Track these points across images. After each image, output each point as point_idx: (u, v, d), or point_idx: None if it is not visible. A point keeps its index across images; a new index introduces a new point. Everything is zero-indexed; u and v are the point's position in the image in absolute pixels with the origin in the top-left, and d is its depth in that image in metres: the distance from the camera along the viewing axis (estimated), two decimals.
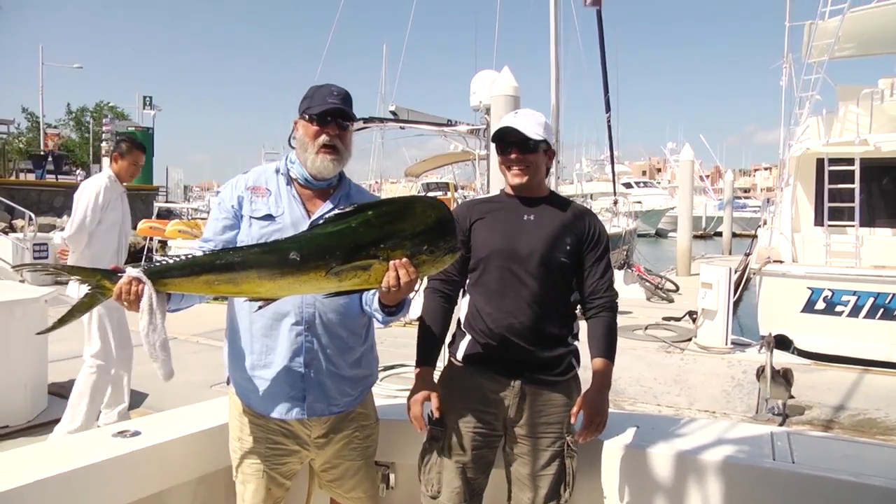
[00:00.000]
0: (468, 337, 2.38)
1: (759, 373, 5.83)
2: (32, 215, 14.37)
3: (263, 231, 2.14)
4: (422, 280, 1.94)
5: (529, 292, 2.29)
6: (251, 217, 2.17)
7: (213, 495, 2.57)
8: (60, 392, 5.73)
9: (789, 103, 11.63)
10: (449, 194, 20.79)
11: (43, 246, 14.09)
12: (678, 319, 10.33)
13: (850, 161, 9.28)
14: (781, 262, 9.38)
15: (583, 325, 2.44)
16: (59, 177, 26.69)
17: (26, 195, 19.68)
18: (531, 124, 2.33)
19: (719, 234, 33.03)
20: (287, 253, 1.78)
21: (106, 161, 29.84)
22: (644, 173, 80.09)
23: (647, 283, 13.58)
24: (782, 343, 8.05)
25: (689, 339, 8.91)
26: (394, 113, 14.62)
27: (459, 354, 2.38)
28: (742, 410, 5.94)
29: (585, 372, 2.38)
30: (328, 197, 2.23)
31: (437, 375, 2.39)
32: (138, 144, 5.11)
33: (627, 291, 13.27)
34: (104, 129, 33.57)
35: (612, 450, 2.44)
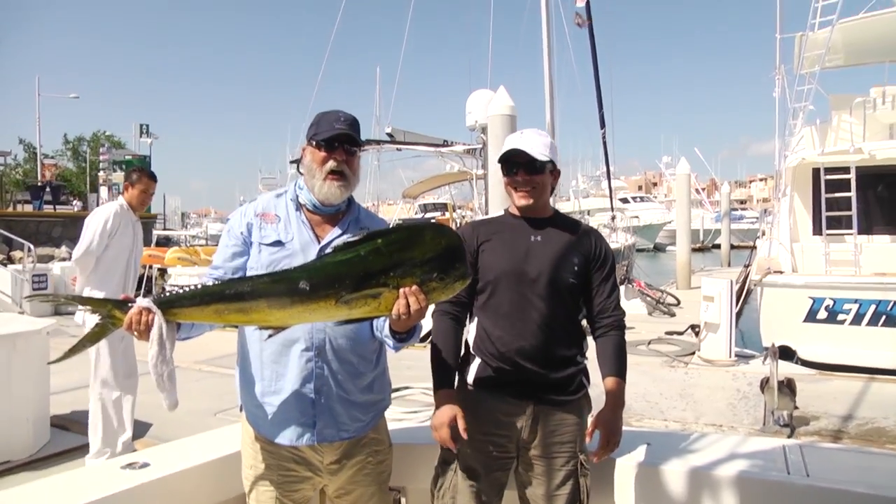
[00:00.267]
0: (478, 360, 2.36)
1: (764, 384, 5.82)
2: (31, 246, 14.37)
3: (273, 257, 2.14)
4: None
5: (539, 314, 2.29)
6: (260, 243, 2.17)
7: None
8: (63, 424, 5.70)
9: (783, 114, 11.71)
10: (447, 214, 20.85)
11: (42, 277, 14.07)
12: (681, 333, 10.32)
13: (846, 170, 9.33)
14: (782, 272, 9.39)
15: (590, 342, 2.44)
16: (57, 207, 26.75)
17: (24, 226, 19.68)
18: (537, 145, 2.32)
19: (717, 247, 33.11)
20: (297, 282, 1.78)
21: (104, 190, 30.03)
22: (640, 188, 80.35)
23: (649, 298, 13.58)
24: (785, 353, 8.04)
25: (693, 353, 8.90)
26: (390, 135, 14.69)
27: (470, 378, 2.36)
28: (749, 423, 5.92)
29: (593, 389, 2.38)
30: (337, 222, 2.23)
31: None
32: (148, 173, 5.24)
33: (629, 307, 13.15)
34: (101, 158, 33.72)
35: (625, 468, 2.43)
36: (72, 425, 5.70)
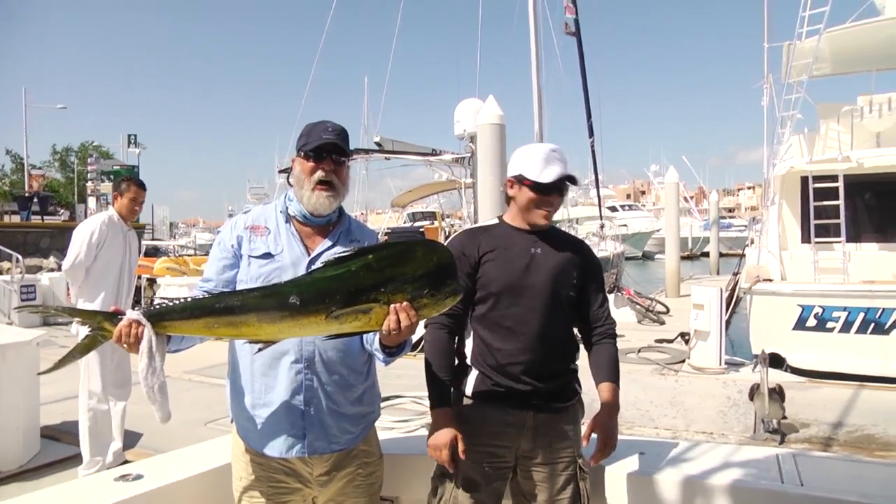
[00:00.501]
0: (476, 372, 2.36)
1: (753, 391, 5.84)
2: (19, 257, 14.26)
3: (262, 269, 2.14)
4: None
5: (540, 326, 2.31)
6: (250, 256, 2.16)
7: None
8: (53, 435, 5.66)
9: (771, 123, 11.81)
10: (436, 223, 20.85)
11: (31, 287, 13.97)
12: (671, 341, 10.34)
13: (834, 178, 9.39)
14: (771, 280, 9.43)
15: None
16: (45, 218, 26.60)
17: (12, 237, 19.55)
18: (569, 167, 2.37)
19: (706, 255, 33.24)
20: (287, 297, 1.78)
21: (92, 200, 29.90)
22: (628, 196, 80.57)
23: (638, 306, 13.61)
24: (775, 361, 8.07)
25: (683, 361, 8.92)
26: (378, 144, 14.69)
27: (468, 390, 2.35)
28: (739, 430, 5.94)
29: (584, 396, 2.41)
30: (327, 234, 2.23)
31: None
32: (137, 182, 5.20)
33: (618, 315, 13.15)
34: (89, 168, 33.57)
35: (618, 477, 2.44)
36: (62, 436, 5.66)
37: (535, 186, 2.32)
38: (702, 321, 8.51)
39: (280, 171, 17.38)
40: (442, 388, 2.32)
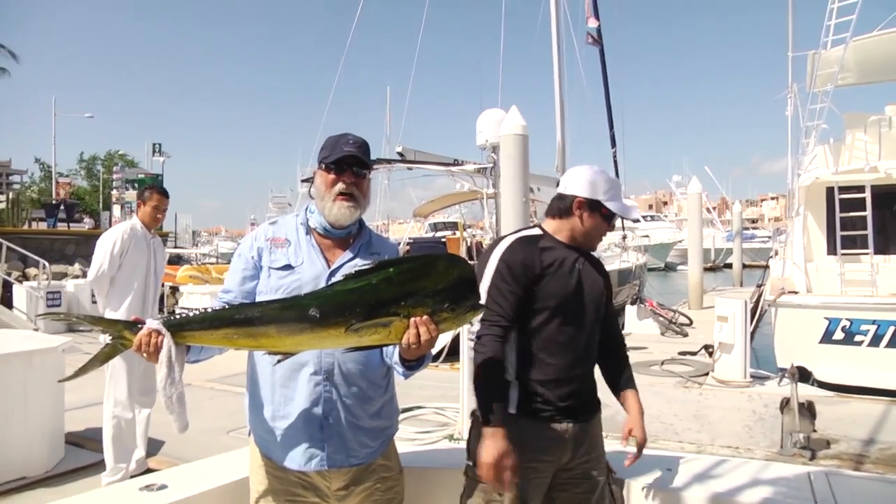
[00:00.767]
0: (517, 387, 2.32)
1: (784, 405, 5.74)
2: (46, 264, 14.45)
3: (282, 281, 2.14)
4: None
5: (587, 341, 2.41)
6: (270, 267, 2.17)
7: None
8: (77, 441, 5.70)
9: (796, 133, 11.70)
10: (457, 233, 20.84)
11: (56, 294, 14.19)
12: (694, 354, 10.22)
13: (861, 188, 9.26)
14: (796, 292, 9.30)
15: None
16: (71, 225, 26.94)
17: (39, 244, 19.81)
18: None
19: (729, 266, 32.92)
20: (307, 309, 1.77)
21: (117, 208, 30.28)
22: (650, 207, 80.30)
23: (661, 318, 13.46)
24: (801, 375, 7.95)
25: (707, 374, 8.80)
26: (400, 154, 14.70)
27: (513, 407, 2.30)
28: (766, 445, 5.84)
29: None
30: (348, 246, 2.23)
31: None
32: (159, 189, 5.23)
33: (641, 326, 13.18)
34: (114, 176, 34.05)
35: (647, 494, 2.40)
36: (86, 442, 5.70)
37: (607, 217, 2.43)
38: (726, 333, 8.40)
39: (303, 181, 17.48)
40: (499, 403, 2.24)
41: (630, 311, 13.85)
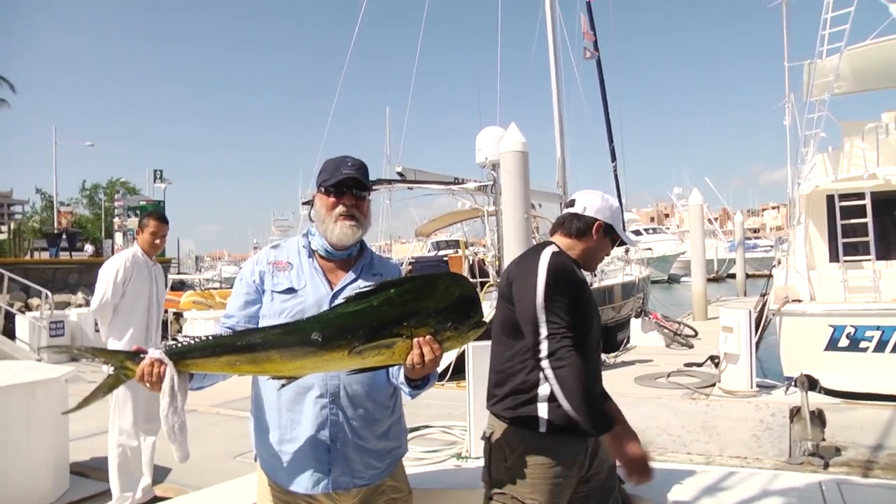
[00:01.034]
0: (547, 403, 2.29)
1: (794, 414, 5.71)
2: (48, 293, 14.46)
3: (285, 305, 2.14)
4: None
5: (598, 357, 2.50)
6: (273, 291, 2.17)
7: None
8: (82, 472, 5.67)
9: (794, 142, 11.73)
10: (459, 252, 20.84)
11: (59, 324, 14.16)
12: (700, 365, 10.17)
13: (861, 196, 9.28)
14: (800, 301, 9.28)
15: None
16: (73, 254, 26.98)
17: (41, 273, 19.80)
18: None
19: (732, 276, 32.94)
20: (309, 333, 1.78)
21: (119, 236, 30.36)
22: (652, 219, 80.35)
23: (666, 330, 13.42)
24: (809, 383, 7.90)
25: (713, 385, 8.76)
26: (401, 174, 14.74)
27: (543, 426, 2.29)
28: (774, 455, 5.80)
29: None
30: (350, 267, 2.23)
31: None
32: (157, 215, 5.26)
33: (646, 339, 13.16)
34: (116, 204, 34.15)
35: None
36: (91, 472, 5.66)
37: (614, 244, 2.53)
38: (731, 344, 8.37)
39: (304, 203, 17.51)
40: (605, 409, 2.29)
41: (635, 324, 13.83)
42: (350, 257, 2.24)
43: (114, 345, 4.85)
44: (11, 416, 4.74)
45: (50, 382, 5.07)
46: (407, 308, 1.77)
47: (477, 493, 2.38)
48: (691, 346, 12.66)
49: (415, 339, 1.77)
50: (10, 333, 14.00)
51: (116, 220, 32.84)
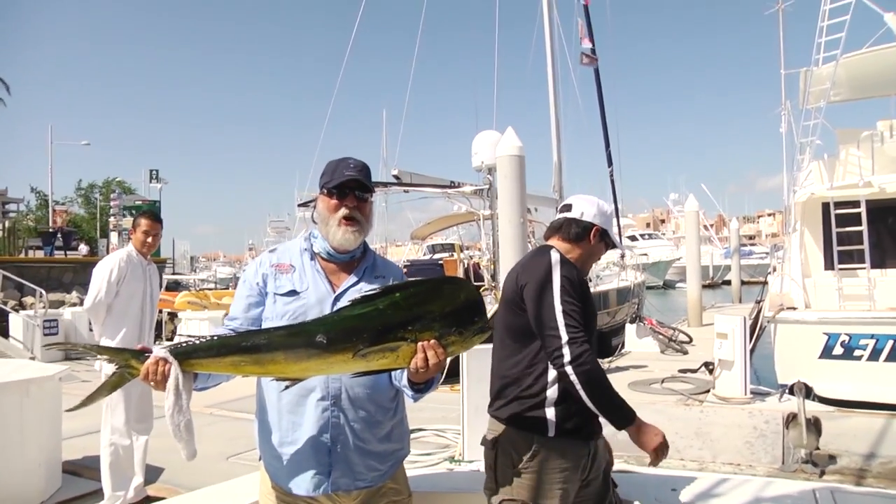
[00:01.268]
0: (555, 408, 2.31)
1: (789, 421, 5.72)
2: (43, 292, 14.42)
3: (288, 307, 2.14)
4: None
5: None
6: (275, 293, 2.17)
7: None
8: (75, 470, 5.65)
9: (790, 149, 11.77)
10: (455, 255, 20.83)
11: (53, 322, 14.12)
12: (694, 371, 10.18)
13: (856, 203, 9.30)
14: (795, 308, 9.30)
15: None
16: (68, 253, 26.91)
17: (36, 272, 19.77)
18: None
19: (727, 283, 32.92)
20: (313, 335, 1.78)
21: (114, 235, 30.30)
22: (648, 225, 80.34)
23: (661, 336, 13.43)
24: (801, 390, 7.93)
25: (708, 391, 8.77)
26: (397, 177, 14.73)
27: (552, 430, 2.31)
28: (767, 462, 5.81)
29: None
30: (352, 270, 2.23)
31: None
32: (149, 214, 5.26)
33: (641, 345, 13.15)
34: (112, 203, 34.08)
35: None
36: (84, 471, 5.65)
37: (607, 248, 2.58)
38: (726, 350, 8.37)
39: (299, 205, 17.43)
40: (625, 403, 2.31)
41: (630, 330, 13.83)
42: (353, 259, 2.25)
43: (107, 344, 4.84)
44: (4, 415, 4.73)
45: (43, 381, 5.05)
46: (412, 312, 1.77)
47: (472, 497, 2.38)
48: (686, 353, 12.67)
49: (419, 343, 1.78)
50: (3, 332, 13.99)
51: (112, 219, 32.79)
